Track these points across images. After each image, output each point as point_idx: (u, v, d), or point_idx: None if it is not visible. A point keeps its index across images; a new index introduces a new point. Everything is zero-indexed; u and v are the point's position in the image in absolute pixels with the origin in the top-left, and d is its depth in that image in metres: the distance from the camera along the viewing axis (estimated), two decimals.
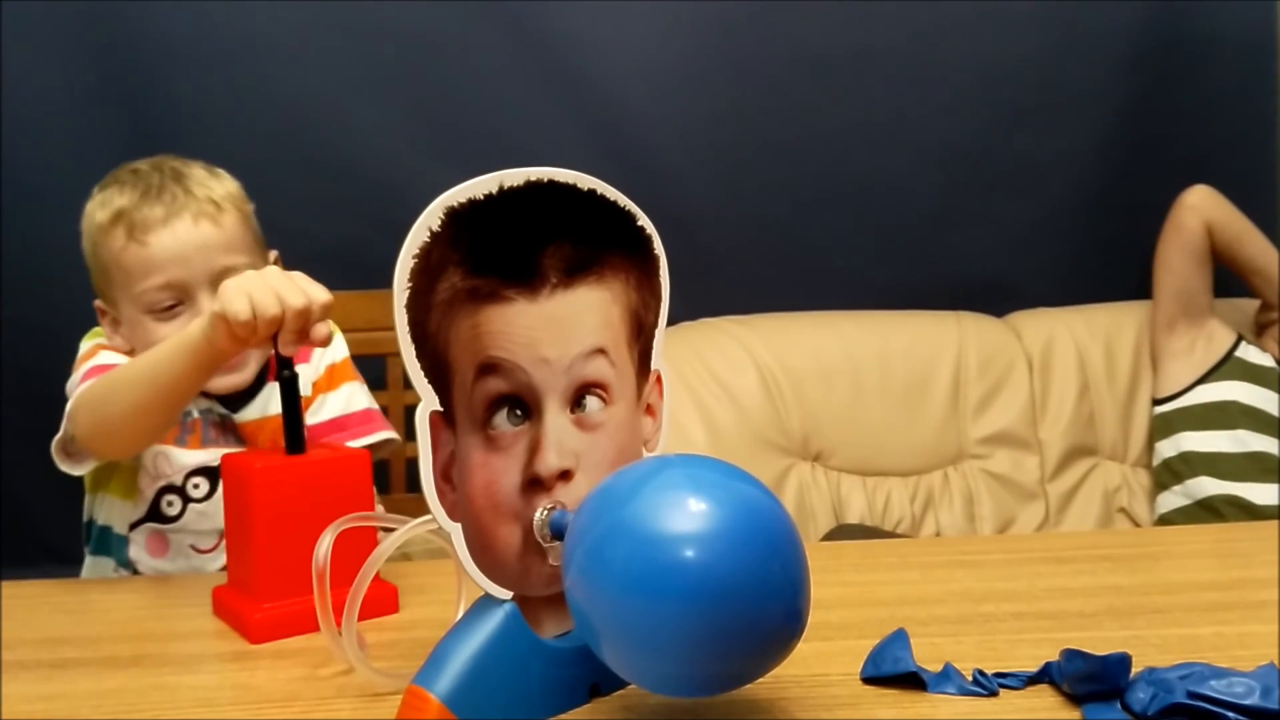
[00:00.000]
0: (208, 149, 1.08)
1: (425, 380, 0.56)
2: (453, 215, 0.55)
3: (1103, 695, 0.60)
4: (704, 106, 1.76)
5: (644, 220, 0.63)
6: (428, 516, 0.58)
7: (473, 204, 0.56)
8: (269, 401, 1.05)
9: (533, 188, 0.57)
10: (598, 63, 1.73)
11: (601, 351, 0.61)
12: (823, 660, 0.68)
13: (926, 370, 1.71)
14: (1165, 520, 1.64)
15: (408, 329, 0.55)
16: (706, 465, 0.55)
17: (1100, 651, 0.61)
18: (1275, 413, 1.62)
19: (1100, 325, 1.78)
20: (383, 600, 0.83)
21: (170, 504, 1.02)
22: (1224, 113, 1.82)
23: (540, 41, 1.72)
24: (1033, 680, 0.65)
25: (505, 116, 1.71)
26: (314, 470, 0.81)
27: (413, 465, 0.58)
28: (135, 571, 1.06)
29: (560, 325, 0.59)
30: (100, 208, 1.02)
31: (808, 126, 1.78)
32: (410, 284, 0.55)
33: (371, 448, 1.01)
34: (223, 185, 1.05)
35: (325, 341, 0.83)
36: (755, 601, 0.50)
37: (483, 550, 0.58)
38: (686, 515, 0.51)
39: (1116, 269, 1.85)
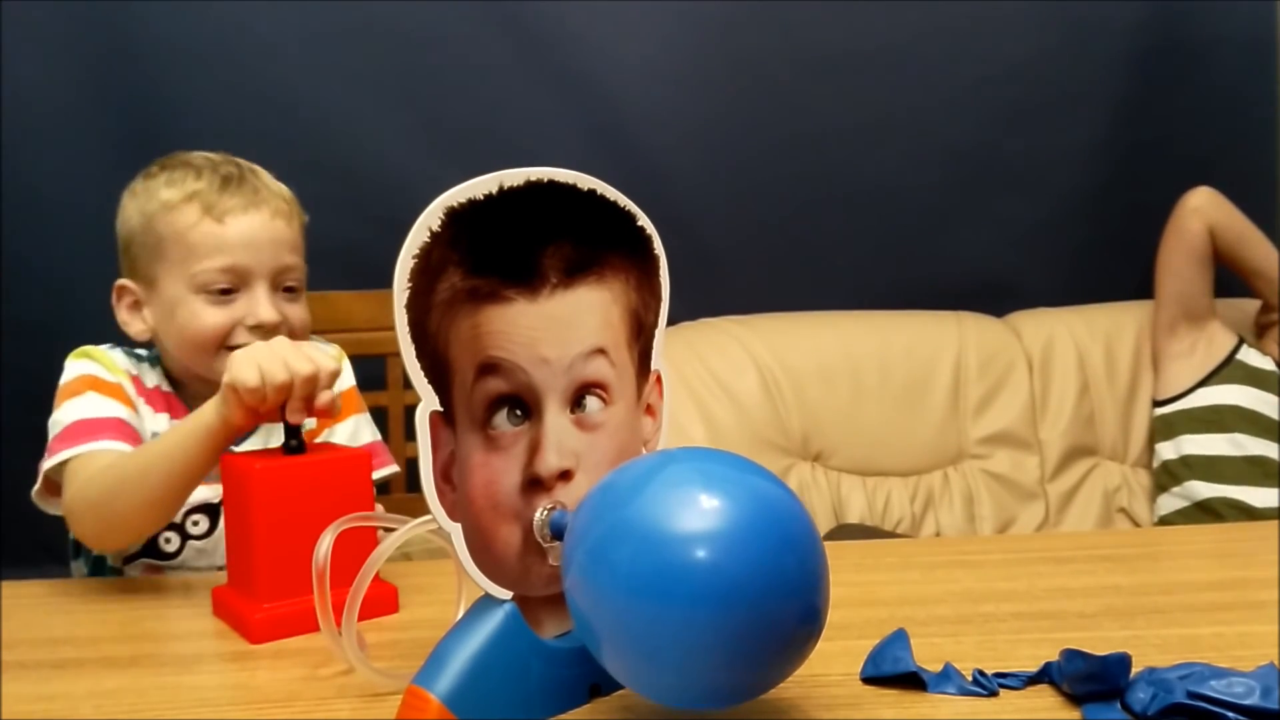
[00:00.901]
0: (208, 149, 1.08)
1: (425, 380, 0.56)
2: (453, 215, 0.55)
3: (1103, 695, 0.60)
4: (704, 106, 1.76)
5: (644, 220, 0.62)
6: (428, 516, 0.58)
7: (473, 204, 0.56)
8: (269, 437, 1.04)
9: (533, 188, 0.57)
10: (598, 63, 1.73)
11: (601, 351, 0.61)
12: (823, 660, 0.67)
13: (926, 370, 1.71)
14: (1165, 522, 1.64)
15: (408, 329, 0.55)
16: (715, 458, 0.52)
17: (1100, 651, 0.61)
18: (1275, 416, 1.62)
19: (1100, 325, 1.78)
20: (383, 600, 0.83)
21: (168, 540, 0.99)
22: (1224, 113, 1.83)
23: (540, 41, 1.72)
24: (1033, 680, 0.65)
25: (505, 116, 1.71)
26: (314, 470, 0.81)
27: (413, 465, 0.58)
28: None
29: (560, 325, 0.59)
30: (167, 186, 1.00)
31: (808, 126, 1.78)
32: (410, 284, 0.55)
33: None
34: (287, 190, 1.06)
35: (332, 413, 0.83)
36: (771, 604, 0.47)
37: (483, 550, 0.58)
38: (698, 512, 0.48)
39: (1117, 269, 1.86)
